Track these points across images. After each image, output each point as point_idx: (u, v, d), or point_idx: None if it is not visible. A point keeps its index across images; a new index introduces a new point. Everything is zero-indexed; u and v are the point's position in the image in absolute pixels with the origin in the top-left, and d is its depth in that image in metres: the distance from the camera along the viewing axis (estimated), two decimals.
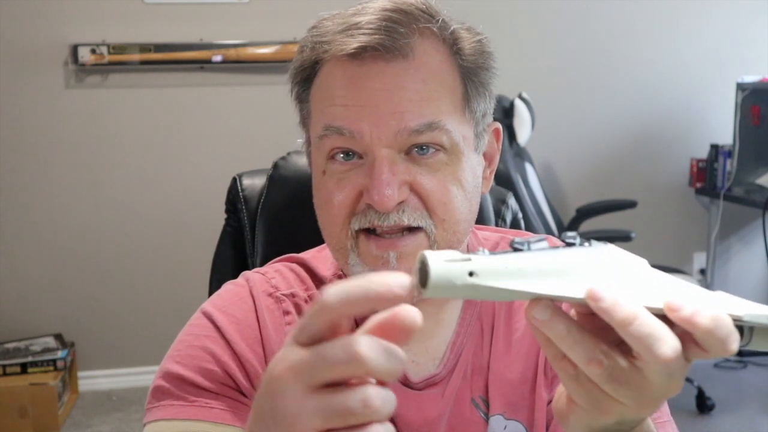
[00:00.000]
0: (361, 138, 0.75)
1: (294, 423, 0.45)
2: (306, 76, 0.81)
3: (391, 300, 0.45)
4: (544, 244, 0.50)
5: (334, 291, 0.46)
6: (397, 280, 0.45)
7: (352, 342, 0.44)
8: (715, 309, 0.48)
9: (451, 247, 0.78)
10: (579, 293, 0.48)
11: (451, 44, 0.79)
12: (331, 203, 0.78)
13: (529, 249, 0.49)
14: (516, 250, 0.49)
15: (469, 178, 0.79)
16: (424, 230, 0.76)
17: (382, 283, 0.45)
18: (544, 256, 0.49)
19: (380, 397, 0.45)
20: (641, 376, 0.49)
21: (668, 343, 0.47)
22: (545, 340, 0.51)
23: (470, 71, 0.80)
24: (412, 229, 0.76)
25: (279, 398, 0.46)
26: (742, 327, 0.50)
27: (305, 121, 0.84)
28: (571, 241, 0.51)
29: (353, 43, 0.74)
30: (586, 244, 0.51)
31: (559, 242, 0.53)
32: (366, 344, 0.44)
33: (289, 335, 0.49)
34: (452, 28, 0.79)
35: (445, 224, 0.77)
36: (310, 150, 0.83)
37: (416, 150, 0.76)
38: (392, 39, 0.74)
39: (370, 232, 0.77)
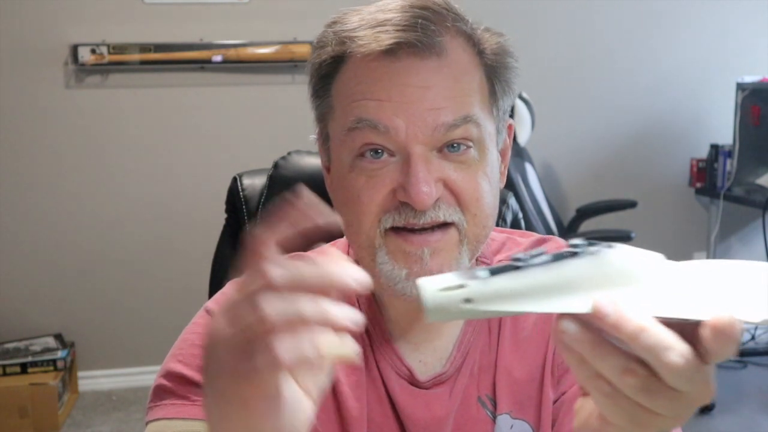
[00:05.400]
0: (396, 134, 0.74)
1: (215, 350, 0.49)
2: (328, 71, 0.80)
3: (342, 285, 0.48)
4: (545, 257, 0.48)
5: (284, 273, 0.48)
6: (358, 274, 0.48)
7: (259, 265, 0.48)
8: (660, 313, 0.46)
9: (478, 242, 0.79)
10: (582, 309, 0.47)
11: (477, 44, 0.80)
12: (361, 201, 0.77)
13: (528, 265, 0.47)
14: (515, 267, 0.47)
15: (495, 174, 0.80)
16: (456, 225, 0.77)
17: (341, 268, 0.48)
18: (543, 272, 0.47)
19: (271, 300, 0.46)
20: (667, 385, 0.48)
21: (676, 351, 0.46)
22: (577, 360, 0.49)
23: (495, 70, 0.81)
24: (442, 226, 0.76)
25: (209, 338, 0.50)
26: None
27: (324, 116, 0.83)
28: (575, 250, 0.48)
29: (388, 39, 0.74)
30: (593, 248, 0.48)
31: (562, 243, 0.52)
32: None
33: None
34: (476, 28, 0.80)
35: (476, 219, 0.77)
36: (330, 146, 0.83)
37: (448, 148, 0.76)
38: (427, 36, 0.74)
39: (398, 229, 0.77)
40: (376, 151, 0.76)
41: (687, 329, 0.47)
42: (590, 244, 0.49)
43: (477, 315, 0.47)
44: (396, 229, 0.77)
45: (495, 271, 0.47)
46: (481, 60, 0.80)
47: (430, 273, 0.69)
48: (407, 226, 0.76)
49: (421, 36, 0.74)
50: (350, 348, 0.48)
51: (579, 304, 0.47)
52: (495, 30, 0.83)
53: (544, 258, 0.48)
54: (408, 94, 0.74)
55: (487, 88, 0.80)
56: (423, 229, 0.76)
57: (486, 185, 0.78)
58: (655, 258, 0.49)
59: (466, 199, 0.76)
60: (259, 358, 0.46)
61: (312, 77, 0.82)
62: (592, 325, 0.47)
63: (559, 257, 0.48)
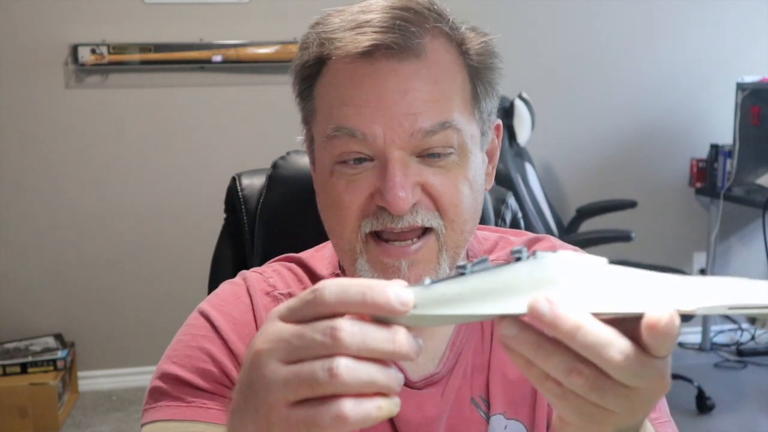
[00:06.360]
0: (374, 140, 0.74)
1: (267, 393, 0.47)
2: (310, 73, 0.80)
3: (387, 311, 0.46)
4: (487, 264, 0.49)
5: (333, 288, 0.47)
6: (399, 294, 0.46)
7: (333, 324, 0.46)
8: (613, 308, 0.46)
9: (458, 247, 0.78)
10: (520, 309, 0.47)
11: (459, 44, 0.78)
12: (341, 205, 0.77)
13: (470, 272, 0.48)
14: (459, 274, 0.49)
15: (477, 177, 0.79)
16: (435, 231, 0.76)
17: (382, 293, 0.46)
18: (485, 276, 0.48)
19: (349, 368, 0.46)
20: (616, 381, 0.47)
21: (615, 347, 0.45)
22: (524, 362, 0.48)
23: (479, 71, 0.79)
24: (422, 232, 0.76)
25: (256, 370, 0.49)
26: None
27: (308, 119, 0.83)
28: (518, 255, 0.49)
29: (366, 41, 0.73)
30: (535, 254, 0.49)
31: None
32: (347, 328, 0.46)
33: (274, 311, 0.50)
34: (460, 28, 0.79)
35: (454, 224, 0.77)
36: (314, 148, 0.83)
37: (428, 155, 0.75)
38: (405, 38, 0.73)
39: (378, 236, 0.77)
40: (355, 159, 0.76)
41: (630, 326, 0.47)
42: (533, 252, 0.50)
43: (422, 321, 0.48)
44: (376, 236, 0.77)
45: (439, 280, 0.49)
46: (464, 61, 0.78)
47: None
48: (385, 231, 0.76)
49: (399, 38, 0.73)
50: (396, 405, 0.48)
51: (517, 306, 0.47)
52: (480, 30, 0.81)
53: (485, 265, 0.49)
54: (385, 97, 0.73)
55: (469, 90, 0.78)
56: (402, 240, 0.76)
57: (466, 190, 0.77)
58: (598, 261, 0.49)
59: (444, 204, 0.76)
60: (324, 414, 0.46)
61: (296, 78, 0.82)
62: (530, 328, 0.47)
63: (501, 265, 0.49)
